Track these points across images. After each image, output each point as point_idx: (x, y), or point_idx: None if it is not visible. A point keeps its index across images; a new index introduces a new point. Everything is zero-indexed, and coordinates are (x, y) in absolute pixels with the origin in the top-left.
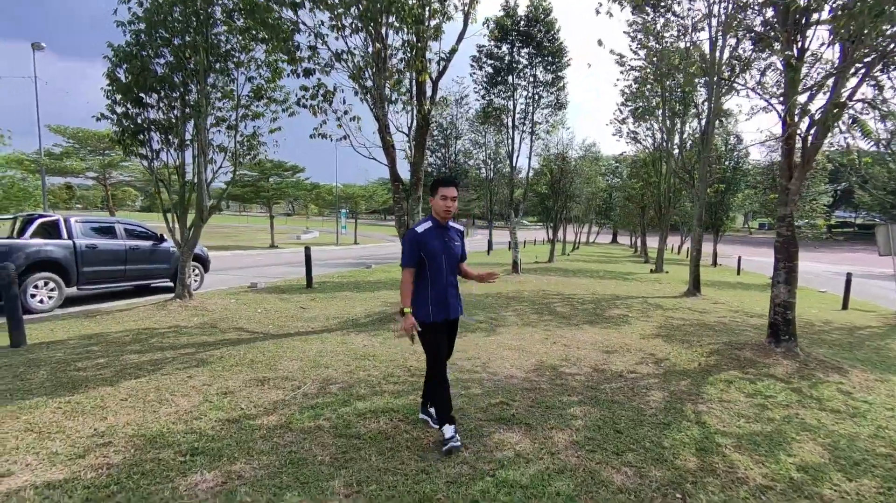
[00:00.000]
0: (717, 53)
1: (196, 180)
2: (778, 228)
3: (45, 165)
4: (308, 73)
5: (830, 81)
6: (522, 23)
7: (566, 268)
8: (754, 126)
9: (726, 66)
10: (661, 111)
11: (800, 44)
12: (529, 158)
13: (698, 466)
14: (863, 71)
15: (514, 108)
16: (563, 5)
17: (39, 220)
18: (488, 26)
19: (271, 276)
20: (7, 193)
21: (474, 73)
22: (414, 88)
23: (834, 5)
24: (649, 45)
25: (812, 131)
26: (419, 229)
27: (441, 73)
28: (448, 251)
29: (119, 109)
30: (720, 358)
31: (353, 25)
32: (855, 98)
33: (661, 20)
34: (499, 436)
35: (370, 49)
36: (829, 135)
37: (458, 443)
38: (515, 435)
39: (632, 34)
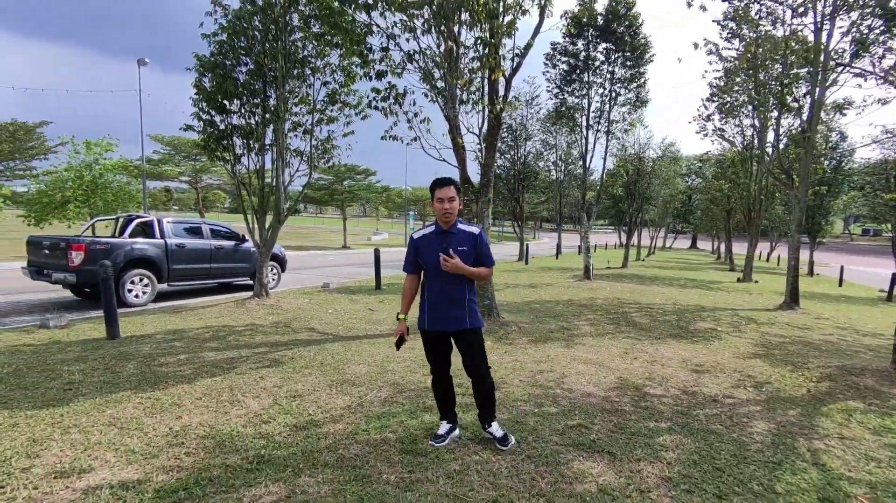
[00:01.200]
0: (825, 38)
1: (274, 183)
2: None
3: (145, 171)
4: (380, 75)
5: None
6: (602, 18)
7: (642, 275)
8: (865, 121)
9: (835, 54)
10: (753, 105)
11: None
12: (605, 159)
13: None
14: None
15: (589, 106)
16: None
17: (137, 221)
18: (566, 19)
19: (343, 276)
20: (116, 196)
21: (547, 72)
22: (485, 87)
23: None
24: (742, 33)
25: None
26: (416, 234)
27: (515, 70)
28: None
29: (204, 117)
30: (833, 384)
31: (426, 25)
32: None
33: (756, 6)
34: (578, 464)
35: (442, 48)
36: None
37: (440, 445)
38: (597, 465)
39: (722, 23)
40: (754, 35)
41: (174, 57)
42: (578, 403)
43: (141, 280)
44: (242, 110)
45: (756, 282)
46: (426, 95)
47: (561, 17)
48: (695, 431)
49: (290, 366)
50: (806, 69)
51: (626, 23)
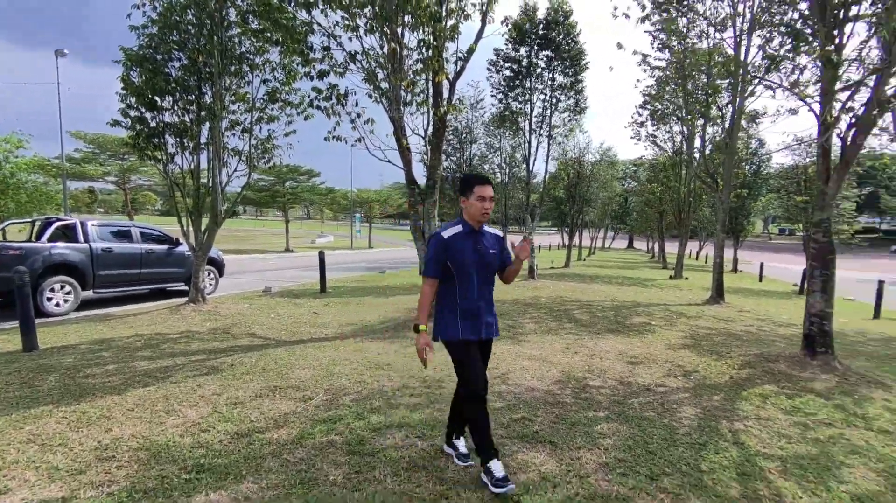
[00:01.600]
0: (743, 54)
1: (211, 184)
2: (814, 234)
3: (66, 170)
4: (322, 74)
5: (872, 79)
6: (542, 25)
7: (583, 274)
8: (779, 129)
9: (752, 67)
10: (681, 113)
11: (837, 39)
12: (546, 162)
13: (741, 494)
14: None
15: (532, 111)
16: (580, 5)
17: (57, 224)
18: (507, 25)
19: (286, 280)
20: (30, 197)
21: (491, 77)
22: (430, 89)
23: None
24: (672, 44)
25: (852, 132)
26: (446, 234)
27: (459, 74)
28: (482, 260)
29: (133, 113)
30: (753, 371)
31: (368, 25)
32: None
33: (683, 19)
34: (522, 455)
35: (385, 49)
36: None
37: (513, 485)
38: (540, 454)
39: (654, 33)
40: (681, 47)
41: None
42: (523, 397)
43: (62, 287)
44: (175, 107)
45: (686, 278)
46: (370, 96)
47: (502, 22)
48: (630, 418)
49: (229, 373)
50: (727, 80)
51: (565, 31)
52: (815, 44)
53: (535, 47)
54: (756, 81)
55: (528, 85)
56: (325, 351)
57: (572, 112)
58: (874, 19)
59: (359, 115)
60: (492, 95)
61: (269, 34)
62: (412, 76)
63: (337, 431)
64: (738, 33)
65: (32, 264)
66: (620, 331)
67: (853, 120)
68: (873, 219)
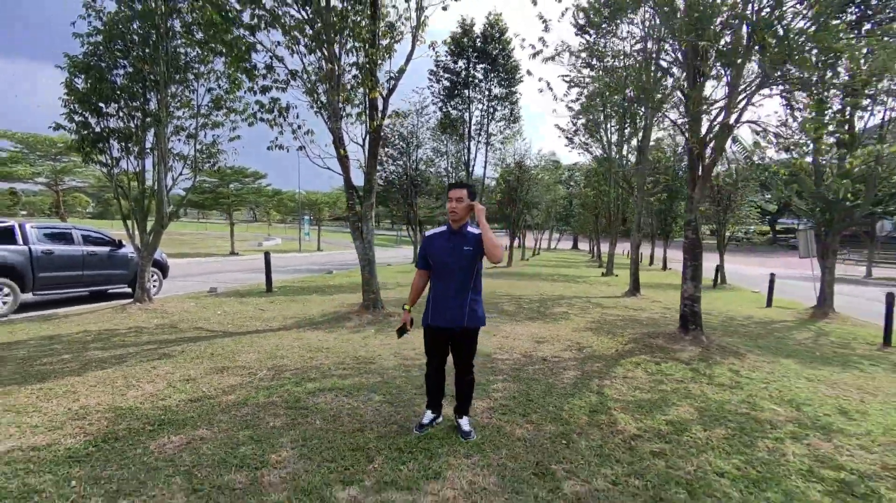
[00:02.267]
0: (644, 78)
1: (156, 187)
2: (685, 231)
3: None
4: (265, 90)
5: (722, 106)
6: (479, 39)
7: (522, 272)
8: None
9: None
10: (606, 125)
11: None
12: (485, 168)
13: (587, 422)
14: (744, 100)
15: (471, 119)
16: (519, 16)
17: None
18: (434, 48)
19: (231, 282)
20: None
21: (432, 86)
22: (367, 103)
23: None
24: (593, 63)
25: (708, 150)
26: (430, 232)
27: (391, 91)
28: (455, 257)
29: (77, 118)
30: (636, 345)
31: (308, 46)
32: (742, 121)
33: (603, 41)
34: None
35: (324, 67)
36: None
37: (419, 432)
38: (446, 404)
39: (577, 54)
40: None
41: (20, 48)
42: None
43: (0, 289)
44: (121, 113)
45: (617, 275)
46: (311, 107)
47: (430, 46)
48: (521, 380)
49: (180, 358)
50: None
51: (500, 46)
52: (683, 82)
53: (473, 60)
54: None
55: (466, 94)
56: (269, 339)
57: (508, 121)
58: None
59: (299, 127)
60: (433, 103)
61: (213, 45)
62: (349, 91)
63: (277, 394)
64: (639, 63)
65: None
66: (538, 319)
67: (709, 141)
68: (792, 220)
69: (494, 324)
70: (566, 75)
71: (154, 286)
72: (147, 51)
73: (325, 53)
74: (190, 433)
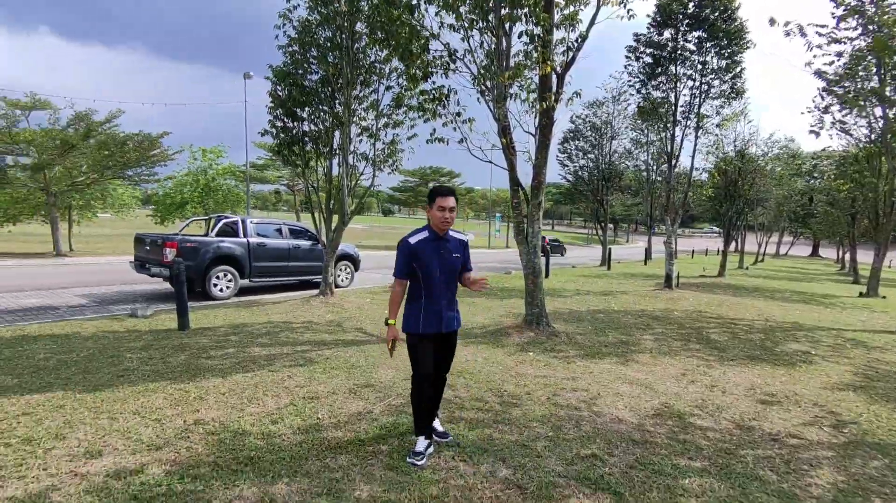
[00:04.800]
0: None
1: (340, 186)
2: None
3: (249, 175)
4: (427, 74)
5: None
6: (693, 3)
7: (739, 285)
8: None
9: None
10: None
11: None
12: (693, 157)
13: None
14: None
15: (677, 101)
16: None
17: (224, 221)
18: (627, 7)
19: None
20: (225, 197)
21: (630, 65)
22: (538, 81)
23: None
24: (864, 8)
25: None
26: (412, 240)
27: (569, 64)
28: (444, 263)
29: (279, 123)
30: None
31: (472, 21)
32: None
33: None
34: (574, 501)
35: (492, 46)
36: None
37: (422, 463)
38: None
39: None
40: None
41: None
42: (602, 429)
43: (225, 275)
44: (312, 116)
45: (884, 297)
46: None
47: (620, 3)
48: (734, 475)
49: (320, 366)
50: None
51: (721, 7)
52: None
53: (684, 28)
54: None
55: (672, 71)
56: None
57: (727, 98)
58: None
59: (458, 115)
60: (630, 85)
61: (390, 42)
62: (516, 69)
63: (386, 442)
64: None
65: (204, 255)
66: (763, 360)
67: None
68: None
69: (695, 364)
70: (822, 25)
71: (347, 278)
72: (337, 53)
73: (494, 21)
74: (265, 488)
